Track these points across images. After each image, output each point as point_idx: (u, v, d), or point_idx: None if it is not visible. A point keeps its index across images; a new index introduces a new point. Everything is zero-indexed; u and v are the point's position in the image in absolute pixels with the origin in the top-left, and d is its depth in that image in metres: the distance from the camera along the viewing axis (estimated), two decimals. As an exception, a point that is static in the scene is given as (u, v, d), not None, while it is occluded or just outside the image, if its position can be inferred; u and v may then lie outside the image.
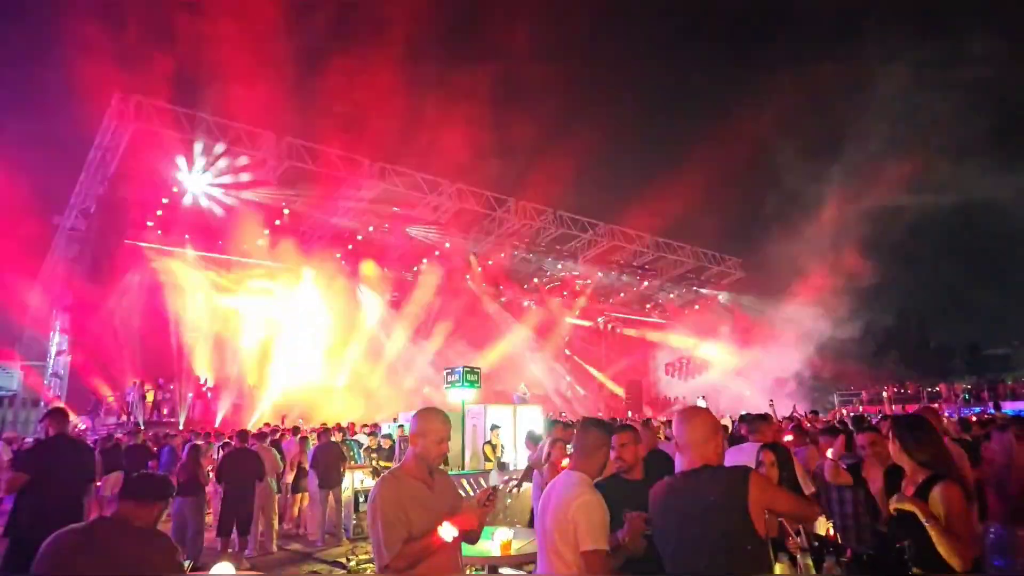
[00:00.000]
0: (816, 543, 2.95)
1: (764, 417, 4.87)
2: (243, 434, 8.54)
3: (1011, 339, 26.40)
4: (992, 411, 15.84)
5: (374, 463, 9.80)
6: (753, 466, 3.16)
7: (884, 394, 26.85)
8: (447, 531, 2.37)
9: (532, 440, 8.64)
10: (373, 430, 11.81)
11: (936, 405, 19.79)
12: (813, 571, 2.70)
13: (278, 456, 8.82)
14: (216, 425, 16.34)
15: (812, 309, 25.09)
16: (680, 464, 2.37)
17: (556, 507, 2.55)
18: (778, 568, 2.83)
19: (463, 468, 9.59)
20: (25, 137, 23.15)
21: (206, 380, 18.90)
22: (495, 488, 2.70)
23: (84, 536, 2.35)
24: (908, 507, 2.44)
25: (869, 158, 23.66)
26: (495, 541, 3.91)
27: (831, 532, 3.49)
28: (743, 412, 9.76)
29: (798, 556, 2.77)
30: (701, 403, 20.66)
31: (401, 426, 10.68)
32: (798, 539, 2.84)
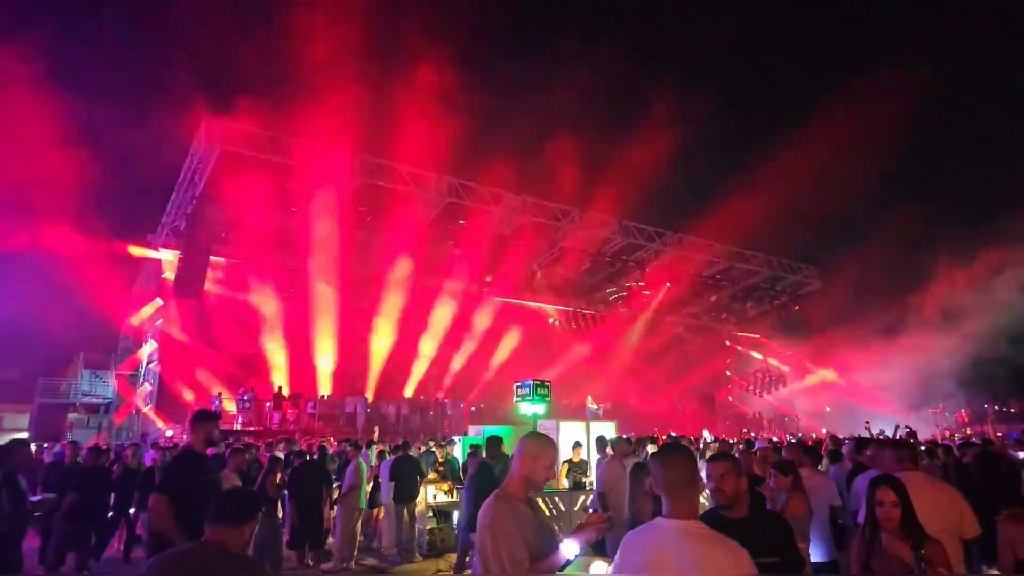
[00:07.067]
0: None
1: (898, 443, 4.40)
2: (299, 449, 8.65)
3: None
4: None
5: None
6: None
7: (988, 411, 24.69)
8: (570, 548, 2.41)
9: (601, 446, 8.40)
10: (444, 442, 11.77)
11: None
12: None
13: (364, 469, 8.67)
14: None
15: (900, 321, 23.42)
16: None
17: None
18: None
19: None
20: (127, 159, 24.97)
21: (280, 388, 19.61)
22: (609, 516, 2.68)
23: (186, 561, 2.30)
24: None
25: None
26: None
27: None
28: (831, 434, 9.07)
29: None
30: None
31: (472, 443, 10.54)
32: None
